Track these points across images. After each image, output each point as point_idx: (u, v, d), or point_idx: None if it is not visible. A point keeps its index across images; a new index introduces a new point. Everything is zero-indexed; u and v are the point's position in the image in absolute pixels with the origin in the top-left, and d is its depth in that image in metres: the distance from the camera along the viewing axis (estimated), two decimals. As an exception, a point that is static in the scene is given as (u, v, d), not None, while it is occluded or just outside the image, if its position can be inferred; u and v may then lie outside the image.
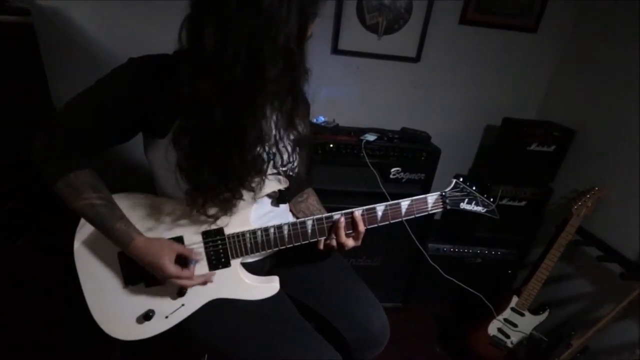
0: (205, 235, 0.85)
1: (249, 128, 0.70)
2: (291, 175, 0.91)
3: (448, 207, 0.94)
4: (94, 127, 0.75)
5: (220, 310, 0.88)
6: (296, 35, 0.66)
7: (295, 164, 0.91)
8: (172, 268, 0.78)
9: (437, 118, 1.87)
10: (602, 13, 1.60)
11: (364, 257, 1.76)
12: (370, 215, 0.89)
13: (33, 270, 1.48)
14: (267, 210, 0.94)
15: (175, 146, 0.72)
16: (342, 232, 0.87)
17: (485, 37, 1.72)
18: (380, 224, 0.91)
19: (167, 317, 0.86)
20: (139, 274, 0.83)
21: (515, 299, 1.56)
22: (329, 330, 0.94)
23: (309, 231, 0.87)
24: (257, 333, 0.85)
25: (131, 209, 0.82)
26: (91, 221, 0.79)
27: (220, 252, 0.85)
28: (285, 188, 0.90)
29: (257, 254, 0.89)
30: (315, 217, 0.87)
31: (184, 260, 0.82)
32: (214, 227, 0.84)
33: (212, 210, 0.78)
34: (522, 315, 1.55)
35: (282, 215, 1.01)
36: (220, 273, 0.87)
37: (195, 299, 0.87)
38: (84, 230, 0.84)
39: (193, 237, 0.85)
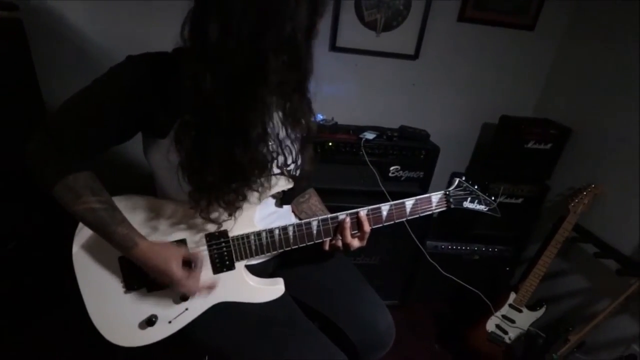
0: (209, 237, 0.83)
1: (253, 122, 0.68)
2: (295, 176, 0.90)
3: (452, 206, 0.94)
4: (91, 128, 0.72)
5: (225, 313, 0.86)
6: (304, 29, 0.64)
7: (299, 163, 0.89)
8: (180, 272, 0.76)
9: (435, 116, 1.87)
10: (600, 12, 1.61)
11: (362, 256, 1.75)
12: (375, 215, 0.89)
13: (23, 275, 1.44)
14: (270, 211, 0.93)
15: (177, 146, 0.70)
16: (348, 233, 0.86)
17: (483, 34, 1.72)
18: (385, 224, 0.90)
19: (170, 322, 0.84)
20: (141, 278, 0.81)
21: (513, 296, 1.58)
22: (333, 331, 0.94)
23: (314, 232, 0.86)
24: (263, 336, 0.84)
25: (131, 212, 0.80)
26: (91, 226, 0.76)
27: (224, 254, 0.84)
28: (290, 189, 0.89)
29: (262, 255, 0.88)
30: (320, 217, 0.86)
31: (188, 265, 0.80)
32: (217, 229, 0.83)
33: (216, 213, 0.77)
34: (520, 311, 1.57)
35: (285, 216, 1.00)
36: (224, 276, 0.85)
37: (199, 303, 0.85)
38: (83, 233, 0.81)
39: (196, 240, 0.83)
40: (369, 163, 1.57)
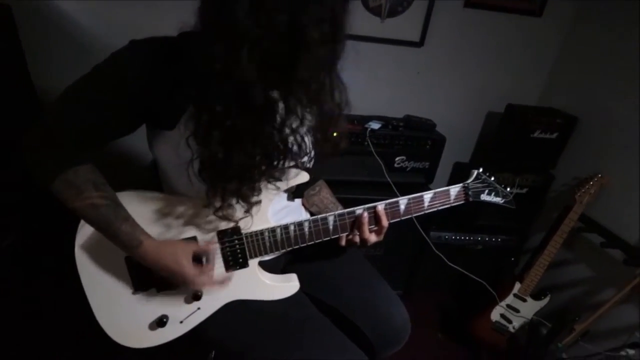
0: (221, 235, 0.79)
1: (291, 106, 0.63)
2: (310, 168, 0.86)
3: (470, 199, 0.92)
4: (93, 119, 0.67)
5: (238, 311, 0.83)
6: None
7: (313, 155, 0.85)
8: (192, 269, 0.72)
9: (439, 105, 1.83)
10: (608, -1, 1.58)
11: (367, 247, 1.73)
12: (393, 210, 0.86)
13: (19, 273, 1.39)
14: (283, 206, 0.89)
15: (197, 139, 0.64)
16: (366, 228, 0.83)
17: (489, 20, 1.68)
18: (402, 218, 0.87)
19: (181, 322, 0.81)
20: (149, 278, 0.78)
21: (517, 285, 1.58)
22: (348, 327, 0.91)
23: (331, 227, 0.83)
24: (278, 334, 0.81)
25: (137, 209, 0.75)
26: (93, 223, 0.72)
27: (237, 252, 0.80)
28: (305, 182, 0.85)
29: (276, 252, 0.84)
30: (336, 212, 0.82)
31: (198, 261, 0.76)
32: (229, 225, 0.79)
33: (231, 211, 0.73)
34: (524, 300, 1.57)
35: (296, 210, 0.96)
36: (237, 274, 0.82)
37: (211, 302, 0.82)
38: (85, 230, 0.77)
39: (207, 238, 0.79)
40: (375, 154, 1.54)
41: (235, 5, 0.53)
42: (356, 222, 0.83)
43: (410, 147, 1.59)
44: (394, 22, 1.63)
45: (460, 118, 1.87)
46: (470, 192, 0.91)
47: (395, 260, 1.79)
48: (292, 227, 0.81)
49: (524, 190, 1.73)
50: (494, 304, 1.61)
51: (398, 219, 0.87)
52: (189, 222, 0.78)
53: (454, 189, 0.90)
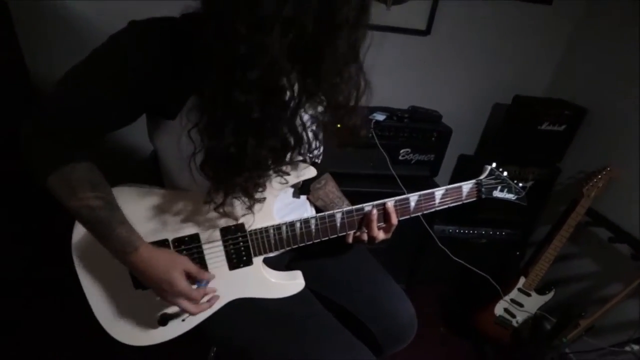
0: (224, 232, 0.76)
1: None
2: (318, 163, 0.82)
3: (483, 196, 0.89)
4: (92, 107, 0.62)
5: (242, 309, 0.81)
6: None
7: (322, 149, 0.82)
8: (183, 284, 0.68)
9: (445, 95, 1.79)
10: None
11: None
12: (403, 207, 0.83)
13: (19, 273, 1.37)
14: (288, 202, 0.86)
15: (206, 130, 0.60)
16: (375, 225, 0.80)
17: (498, 8, 1.62)
18: (412, 215, 0.84)
19: (184, 320, 0.79)
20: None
21: (522, 280, 1.57)
22: (353, 323, 0.89)
23: (338, 225, 0.80)
24: (283, 332, 0.79)
25: (136, 205, 0.72)
26: (86, 225, 0.68)
27: (241, 250, 0.77)
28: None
29: (281, 250, 0.81)
30: (344, 209, 0.79)
31: (192, 281, 0.72)
32: (230, 223, 0.75)
33: (235, 207, 0.69)
34: (529, 295, 1.56)
35: (302, 206, 0.93)
36: (242, 272, 0.79)
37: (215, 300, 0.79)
38: (81, 228, 0.73)
39: (210, 235, 0.76)
40: (379, 146, 1.50)
41: None
42: (364, 220, 0.80)
43: (415, 139, 1.55)
44: (399, 9, 1.57)
45: (466, 109, 1.83)
46: (483, 189, 0.88)
47: (399, 253, 1.77)
48: (298, 224, 0.78)
49: (529, 184, 1.70)
50: (497, 298, 1.60)
51: (407, 217, 0.84)
52: (187, 219, 0.75)
53: (467, 186, 0.87)
